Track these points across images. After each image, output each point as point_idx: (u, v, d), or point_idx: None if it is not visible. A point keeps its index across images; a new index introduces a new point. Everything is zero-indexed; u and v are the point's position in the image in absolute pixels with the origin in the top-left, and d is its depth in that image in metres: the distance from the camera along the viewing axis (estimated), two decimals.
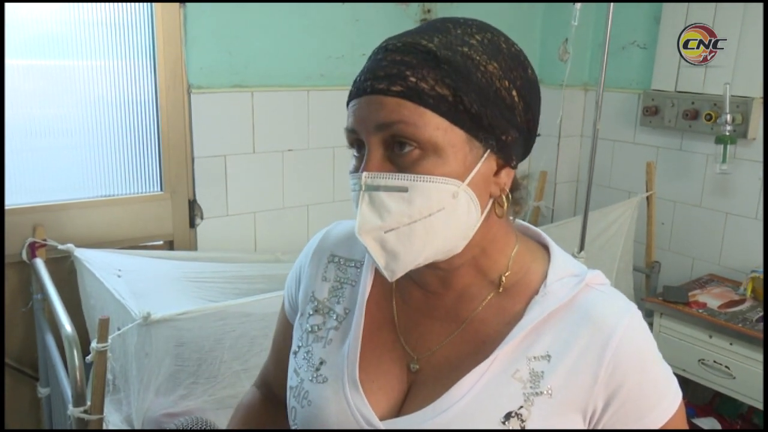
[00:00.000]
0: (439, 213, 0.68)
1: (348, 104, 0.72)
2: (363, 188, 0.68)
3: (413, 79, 0.66)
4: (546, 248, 0.80)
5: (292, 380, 0.82)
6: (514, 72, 0.70)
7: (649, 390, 0.71)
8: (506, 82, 0.69)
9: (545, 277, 0.75)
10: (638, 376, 0.70)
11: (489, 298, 0.76)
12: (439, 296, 0.78)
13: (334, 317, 0.82)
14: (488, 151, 0.70)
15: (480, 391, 0.70)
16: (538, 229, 0.82)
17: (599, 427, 0.71)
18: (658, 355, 0.74)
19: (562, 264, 0.77)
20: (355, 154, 0.72)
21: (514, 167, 0.73)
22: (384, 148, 0.68)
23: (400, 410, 0.74)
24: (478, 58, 0.68)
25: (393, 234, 0.68)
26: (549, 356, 0.71)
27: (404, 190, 0.67)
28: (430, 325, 0.77)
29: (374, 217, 0.68)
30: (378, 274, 0.81)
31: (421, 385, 0.75)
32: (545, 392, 0.69)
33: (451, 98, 0.67)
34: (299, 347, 0.83)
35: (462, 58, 0.67)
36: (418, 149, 0.67)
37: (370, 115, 0.68)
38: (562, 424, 0.69)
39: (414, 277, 0.79)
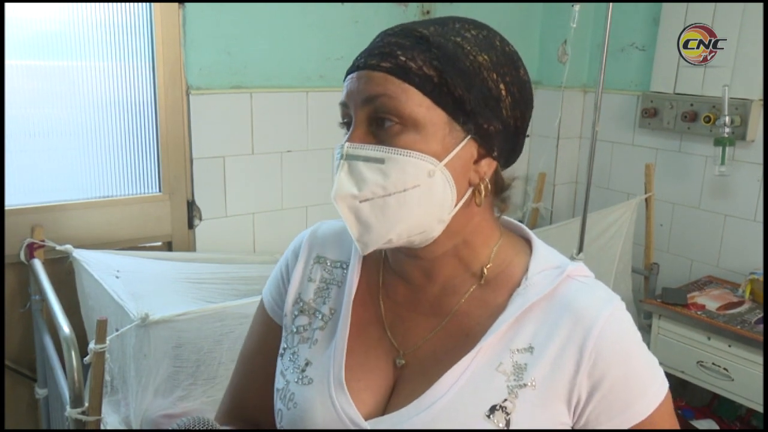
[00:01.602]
0: (414, 189, 0.70)
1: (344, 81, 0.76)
2: (343, 157, 0.71)
3: (403, 58, 0.70)
4: (529, 242, 0.81)
5: (278, 382, 0.82)
6: (504, 67, 0.73)
7: (633, 380, 0.71)
8: (494, 75, 0.72)
9: (527, 269, 0.76)
10: (622, 367, 0.71)
11: (471, 290, 0.77)
12: (423, 290, 0.78)
13: (320, 318, 0.82)
14: (468, 136, 0.72)
15: (464, 385, 0.71)
16: (521, 224, 0.84)
17: (584, 416, 0.71)
18: (642, 346, 0.75)
19: (544, 256, 0.78)
20: (346, 132, 0.75)
21: (496, 158, 0.74)
22: (368, 123, 0.72)
23: (386, 407, 0.75)
24: (468, 48, 0.71)
25: (367, 204, 0.70)
26: (532, 348, 0.72)
27: (381, 161, 0.69)
28: (416, 319, 0.78)
29: (350, 185, 0.70)
30: (364, 274, 0.83)
31: (406, 380, 0.76)
32: (529, 384, 0.70)
33: (437, 79, 0.69)
34: (285, 349, 0.83)
35: (453, 46, 0.71)
36: (399, 124, 0.70)
37: (359, 87, 0.72)
38: (546, 415, 0.70)
39: (398, 270, 0.80)
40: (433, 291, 0.78)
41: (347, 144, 0.71)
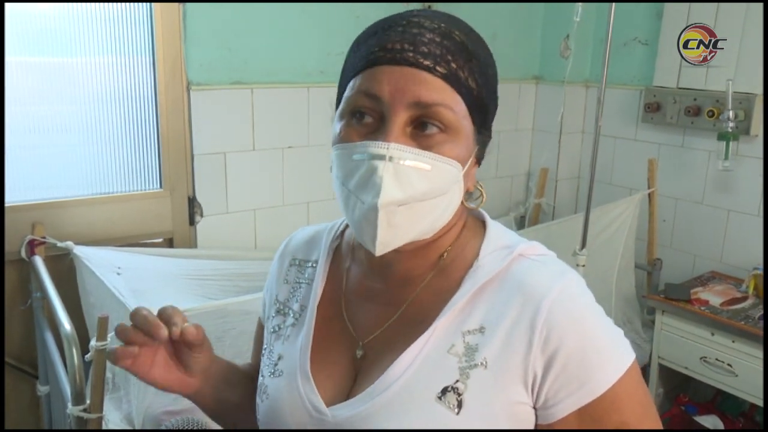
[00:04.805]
0: (443, 196, 0.70)
1: (367, 64, 0.69)
2: (388, 158, 0.66)
3: (454, 65, 0.68)
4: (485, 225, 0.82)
5: (259, 379, 0.85)
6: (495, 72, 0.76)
7: (590, 352, 0.69)
8: (497, 87, 0.75)
9: (479, 251, 0.76)
10: (577, 339, 0.69)
11: (428, 279, 0.77)
12: (384, 281, 0.79)
13: (292, 315, 0.85)
14: (478, 146, 0.74)
15: (417, 369, 0.71)
16: (479, 209, 0.83)
17: (543, 394, 0.69)
18: (601, 317, 0.73)
19: (495, 237, 0.78)
20: (354, 123, 0.70)
21: (479, 163, 0.77)
22: (406, 124, 0.68)
23: (348, 396, 0.76)
24: (490, 59, 0.73)
25: (403, 208, 0.68)
26: (483, 328, 0.71)
27: (428, 168, 0.68)
28: (374, 310, 0.79)
29: (397, 190, 0.67)
30: (332, 271, 0.85)
31: (366, 369, 0.77)
32: (480, 364, 0.70)
33: (476, 92, 0.70)
34: (265, 348, 0.87)
35: (481, 56, 0.71)
36: (444, 133, 0.69)
37: (412, 88, 0.66)
38: (501, 395, 0.69)
39: (361, 260, 0.82)
40: (392, 282, 0.78)
41: (393, 144, 0.66)
